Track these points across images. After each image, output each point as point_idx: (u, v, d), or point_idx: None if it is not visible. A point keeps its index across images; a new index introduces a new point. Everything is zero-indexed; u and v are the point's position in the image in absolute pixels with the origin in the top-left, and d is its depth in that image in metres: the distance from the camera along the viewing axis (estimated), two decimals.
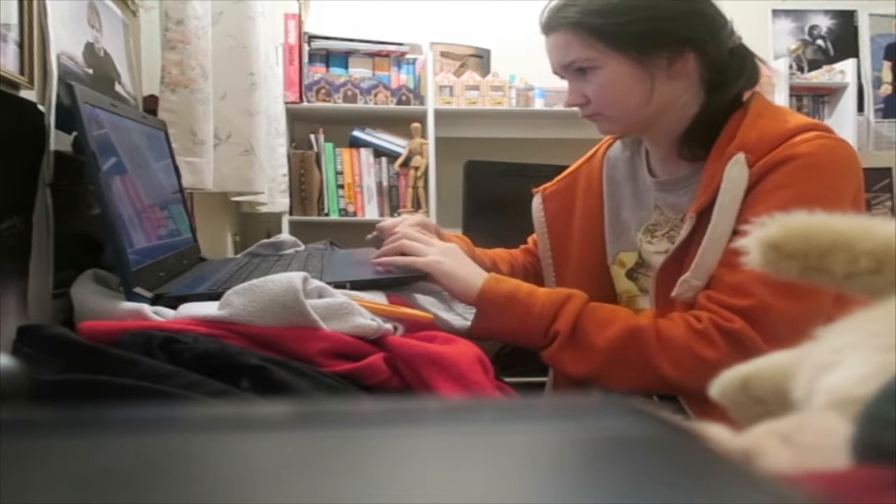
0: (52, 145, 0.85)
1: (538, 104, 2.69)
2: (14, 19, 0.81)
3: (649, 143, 1.06)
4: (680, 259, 0.92)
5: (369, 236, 1.15)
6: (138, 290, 0.77)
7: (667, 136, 1.00)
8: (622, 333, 0.86)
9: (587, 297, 0.92)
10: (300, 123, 2.73)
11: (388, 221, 1.13)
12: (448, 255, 0.95)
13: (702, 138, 0.95)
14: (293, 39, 2.47)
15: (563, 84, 1.01)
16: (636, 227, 1.07)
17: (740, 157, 0.87)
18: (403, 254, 0.96)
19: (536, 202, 1.18)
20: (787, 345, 0.36)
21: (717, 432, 0.29)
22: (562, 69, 0.99)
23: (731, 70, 0.95)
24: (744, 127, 0.91)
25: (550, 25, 0.96)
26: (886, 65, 3.14)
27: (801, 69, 2.98)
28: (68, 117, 0.87)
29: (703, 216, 0.89)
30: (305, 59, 2.54)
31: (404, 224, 1.07)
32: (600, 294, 1.01)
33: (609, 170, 1.13)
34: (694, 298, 0.88)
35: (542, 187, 1.19)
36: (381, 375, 0.67)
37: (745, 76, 0.96)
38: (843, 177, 0.88)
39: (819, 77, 2.93)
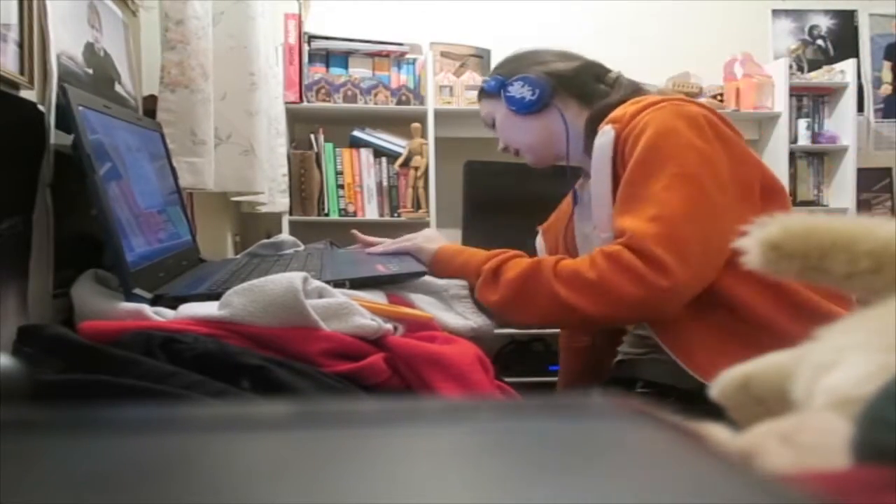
0: (53, 145, 0.85)
1: None
2: (14, 19, 0.81)
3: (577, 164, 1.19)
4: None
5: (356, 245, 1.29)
6: (138, 291, 0.77)
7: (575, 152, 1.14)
8: (528, 266, 0.98)
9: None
10: (300, 123, 2.73)
11: (363, 237, 1.28)
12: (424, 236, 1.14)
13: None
14: (293, 39, 2.47)
15: None
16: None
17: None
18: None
19: (539, 239, 1.31)
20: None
21: (717, 432, 0.29)
22: None
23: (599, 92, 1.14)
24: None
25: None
26: (886, 65, 3.14)
27: (801, 69, 2.98)
28: (68, 117, 0.87)
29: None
30: (305, 59, 2.53)
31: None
32: None
33: (577, 190, 1.24)
34: None
35: (543, 224, 1.32)
36: (381, 375, 0.67)
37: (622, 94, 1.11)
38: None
39: (819, 77, 2.93)
